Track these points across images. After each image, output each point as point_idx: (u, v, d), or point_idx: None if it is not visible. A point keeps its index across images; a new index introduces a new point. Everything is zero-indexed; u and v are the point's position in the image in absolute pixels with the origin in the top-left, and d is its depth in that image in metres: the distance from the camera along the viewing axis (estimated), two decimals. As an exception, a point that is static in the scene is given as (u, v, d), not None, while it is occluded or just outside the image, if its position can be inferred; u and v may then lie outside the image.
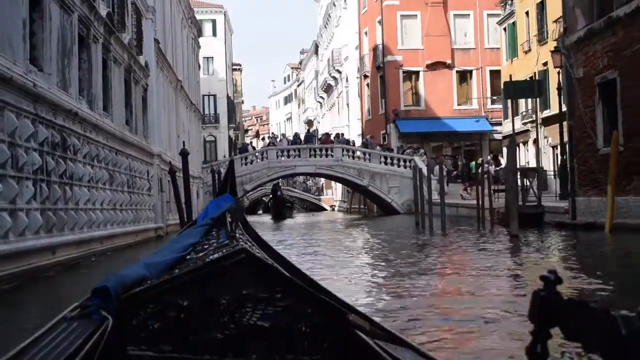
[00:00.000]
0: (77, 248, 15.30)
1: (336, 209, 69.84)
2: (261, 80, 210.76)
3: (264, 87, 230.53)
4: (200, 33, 48.49)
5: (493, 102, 51.47)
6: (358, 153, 45.39)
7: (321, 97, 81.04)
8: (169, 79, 30.55)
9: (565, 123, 24.61)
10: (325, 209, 71.78)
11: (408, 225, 31.65)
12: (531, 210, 23.43)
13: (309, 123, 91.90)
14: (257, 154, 47.25)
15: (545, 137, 42.11)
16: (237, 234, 4.28)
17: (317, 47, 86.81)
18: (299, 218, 51.61)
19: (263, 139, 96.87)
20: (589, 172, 20.45)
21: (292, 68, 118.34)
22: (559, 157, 40.54)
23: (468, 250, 15.97)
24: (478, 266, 12.53)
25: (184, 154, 23.90)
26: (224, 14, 72.44)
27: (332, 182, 72.00)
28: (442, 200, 24.50)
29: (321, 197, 77.39)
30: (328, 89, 74.28)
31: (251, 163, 45.74)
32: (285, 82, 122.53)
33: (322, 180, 79.15)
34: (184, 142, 26.07)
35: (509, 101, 35.57)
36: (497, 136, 50.27)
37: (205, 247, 4.17)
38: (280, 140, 51.49)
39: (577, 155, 21.23)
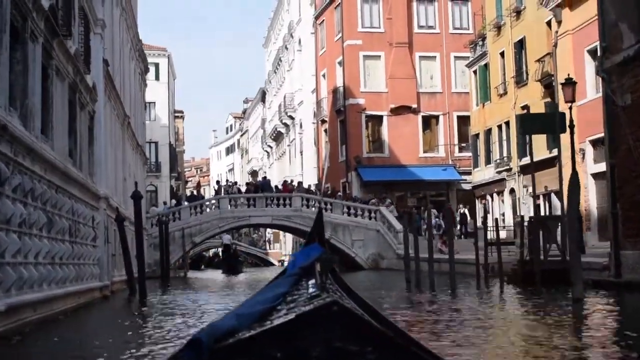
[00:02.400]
0: (1, 319, 10.90)
1: (285, 264, 65.58)
2: (202, 130, 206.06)
3: (204, 137, 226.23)
4: (147, 70, 44.39)
5: (461, 149, 48.23)
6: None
7: (269, 145, 77.18)
8: (117, 112, 26.37)
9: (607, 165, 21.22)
10: (274, 264, 67.48)
11: (390, 284, 27.74)
12: (555, 265, 19.72)
13: (254, 174, 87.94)
14: (207, 202, 42.95)
15: (524, 187, 38.79)
16: (328, 285, 4.19)
17: (264, 94, 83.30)
18: (249, 273, 47.30)
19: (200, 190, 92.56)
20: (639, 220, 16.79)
21: (234, 117, 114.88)
22: (542, 207, 37.46)
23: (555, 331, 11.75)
24: None
25: (137, 197, 19.66)
26: (168, 58, 68.52)
27: (281, 235, 68.01)
28: (451, 256, 20.59)
29: (268, 251, 73.17)
30: (278, 136, 70.48)
31: (201, 213, 41.43)
32: (227, 132, 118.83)
33: (269, 232, 75.13)
34: (136, 183, 21.79)
35: (526, 137, 32.21)
36: (466, 186, 46.93)
37: (295, 297, 4.21)
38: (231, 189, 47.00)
39: (621, 200, 17.55)
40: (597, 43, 31.87)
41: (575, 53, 33.01)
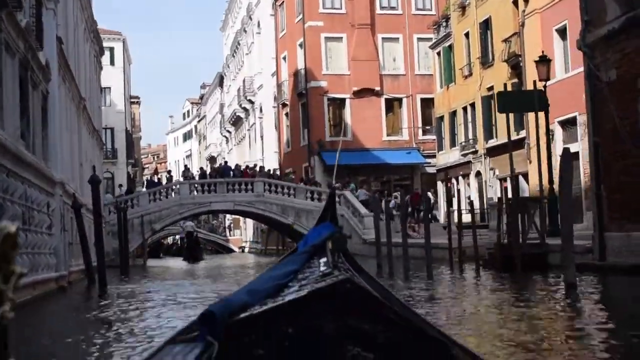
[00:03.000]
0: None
1: (246, 250, 64.53)
2: (158, 116, 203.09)
3: (161, 123, 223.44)
4: (102, 52, 42.90)
5: (425, 132, 47.51)
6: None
7: (228, 130, 75.84)
8: (72, 94, 25.10)
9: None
10: (234, 251, 66.38)
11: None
12: (533, 249, 18.99)
13: (212, 160, 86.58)
14: (165, 189, 41.70)
15: (491, 169, 38.21)
16: (339, 263, 4.16)
17: (222, 78, 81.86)
18: (211, 261, 46.19)
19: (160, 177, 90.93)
20: (626, 201, 16.07)
21: (192, 103, 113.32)
22: (509, 190, 36.76)
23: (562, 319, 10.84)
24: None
25: (95, 181, 18.52)
26: (123, 42, 66.89)
27: (242, 221, 66.89)
28: (428, 241, 19.75)
29: (229, 237, 72.00)
30: (237, 121, 69.19)
31: (160, 199, 40.21)
32: (184, 118, 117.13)
33: (229, 218, 73.93)
34: (94, 167, 20.59)
35: (492, 118, 31.68)
36: (430, 169, 46.25)
37: (307, 274, 4.13)
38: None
39: (606, 180, 16.82)
40: (566, 21, 31.47)
41: (543, 32, 32.35)
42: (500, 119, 36.89)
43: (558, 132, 31.70)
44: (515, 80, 35.30)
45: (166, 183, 44.58)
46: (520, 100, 21.48)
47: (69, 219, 22.84)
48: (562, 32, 31.31)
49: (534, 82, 22.22)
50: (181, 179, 44.41)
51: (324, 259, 4.33)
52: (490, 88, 37.80)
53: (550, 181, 23.40)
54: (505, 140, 36.13)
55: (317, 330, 3.44)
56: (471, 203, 23.10)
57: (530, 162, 33.71)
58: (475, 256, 20.48)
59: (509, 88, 35.84)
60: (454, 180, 42.37)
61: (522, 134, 34.76)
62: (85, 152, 29.22)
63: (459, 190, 36.23)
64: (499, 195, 36.90)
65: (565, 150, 13.33)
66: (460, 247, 21.85)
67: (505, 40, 35.53)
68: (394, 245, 27.28)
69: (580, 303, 11.44)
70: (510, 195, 24.74)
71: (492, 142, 37.87)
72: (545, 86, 22.68)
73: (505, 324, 9.41)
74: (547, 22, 32.10)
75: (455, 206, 31.90)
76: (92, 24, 35.03)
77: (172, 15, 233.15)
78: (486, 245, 22.12)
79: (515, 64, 34.95)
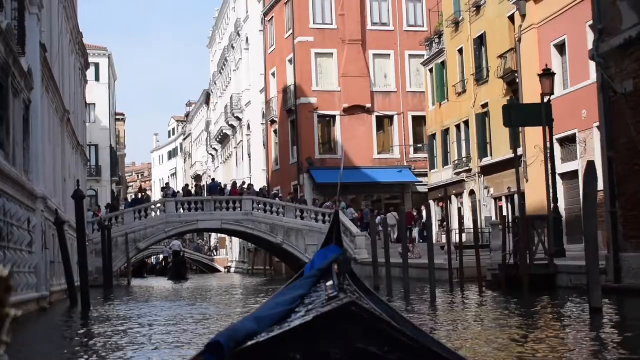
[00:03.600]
0: None
1: (232, 270, 63.34)
2: (143, 134, 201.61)
3: (146, 141, 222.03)
4: (87, 66, 41.88)
5: (416, 150, 46.66)
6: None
7: (214, 148, 74.78)
8: (56, 105, 24.07)
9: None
10: (220, 271, 65.16)
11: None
12: (541, 270, 18.06)
13: (198, 178, 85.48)
14: (152, 206, 40.59)
15: (485, 188, 37.34)
16: (346, 286, 4.22)
17: (208, 96, 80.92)
18: (196, 281, 45.04)
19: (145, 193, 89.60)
20: (644, 219, 15.18)
21: (177, 121, 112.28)
22: (505, 209, 36.00)
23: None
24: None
25: (79, 197, 17.47)
26: (109, 58, 65.93)
27: (228, 241, 65.76)
28: (431, 261, 18.79)
29: (214, 257, 70.76)
30: (224, 139, 68.16)
31: (146, 217, 39.09)
32: (170, 136, 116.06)
33: (215, 237, 72.72)
34: (78, 182, 19.51)
35: (486, 136, 30.81)
36: (421, 188, 45.37)
37: (314, 299, 4.24)
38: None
39: (621, 197, 15.91)
40: (565, 36, 30.77)
41: (541, 48, 31.62)
42: (495, 136, 36.15)
43: (556, 150, 30.84)
44: (511, 96, 34.54)
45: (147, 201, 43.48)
46: (527, 114, 20.49)
47: (51, 237, 21.76)
48: (561, 48, 30.59)
49: (542, 95, 21.25)
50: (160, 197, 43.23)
51: (330, 282, 4.38)
52: (485, 105, 37.05)
53: (555, 199, 22.39)
54: (501, 158, 35.47)
55: (324, 355, 3.47)
56: (475, 222, 22.03)
57: (527, 180, 32.89)
58: (479, 277, 19.54)
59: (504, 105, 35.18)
60: (453, 198, 41.45)
61: (518, 151, 33.88)
62: (69, 167, 28.16)
63: (459, 209, 35.29)
64: (492, 214, 36.23)
65: (590, 164, 12.40)
66: (462, 267, 20.89)
67: (501, 56, 34.79)
68: (397, 266, 26.33)
69: (607, 329, 10.49)
70: (511, 214, 23.91)
71: (487, 161, 37.05)
72: (549, 100, 21.78)
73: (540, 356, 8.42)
74: (544, 37, 31.38)
75: (453, 226, 31.08)
76: (78, 35, 34.02)
77: (158, 33, 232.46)
78: (488, 266, 21.22)
79: (511, 81, 34.19)
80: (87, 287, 18.02)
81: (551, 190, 21.48)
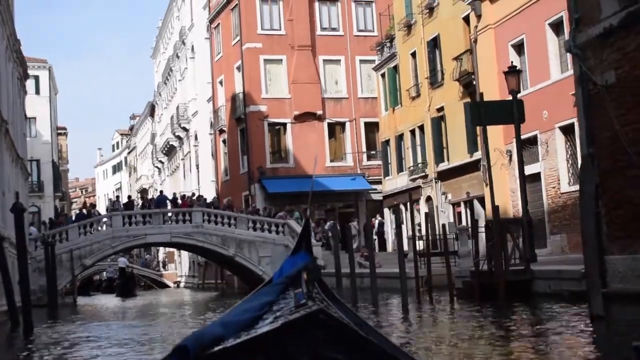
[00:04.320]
0: None
1: (182, 285, 61.64)
2: (86, 149, 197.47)
3: (89, 155, 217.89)
4: (26, 76, 40.06)
5: (370, 157, 45.67)
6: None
7: (160, 161, 73.00)
8: (-9, 114, 22.46)
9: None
10: (169, 286, 63.43)
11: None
12: (517, 276, 17.06)
13: (144, 192, 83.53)
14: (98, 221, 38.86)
15: (443, 194, 36.43)
16: (314, 294, 4.25)
17: (153, 108, 79.19)
18: (145, 297, 43.44)
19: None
20: (629, 219, 14.19)
21: (121, 134, 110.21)
22: (463, 215, 35.07)
23: None
24: None
25: (19, 210, 16.00)
26: (49, 70, 63.91)
27: (176, 255, 64.13)
28: (402, 270, 17.72)
29: (163, 272, 68.96)
30: (170, 150, 66.48)
31: (91, 232, 37.38)
32: (113, 150, 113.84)
33: (163, 251, 70.95)
34: (17, 194, 17.96)
35: (443, 140, 29.81)
36: (376, 196, 44.38)
37: (282, 306, 4.24)
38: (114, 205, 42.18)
39: (605, 196, 14.92)
40: (523, 36, 30.02)
41: (498, 48, 30.87)
42: (452, 141, 35.28)
43: (516, 152, 30.04)
44: (468, 99, 33.70)
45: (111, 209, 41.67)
46: (495, 111, 19.46)
47: (-11, 254, 20.16)
48: (519, 47, 29.86)
49: (510, 91, 20.25)
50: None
51: (298, 290, 4.37)
52: (441, 109, 36.21)
53: (526, 202, 21.46)
54: (458, 163, 34.59)
55: None
56: (443, 227, 21.02)
57: (487, 184, 32.03)
58: (450, 285, 18.47)
59: (460, 108, 34.25)
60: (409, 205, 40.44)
61: (476, 155, 33.12)
62: (8, 181, 26.48)
63: (427, 215, 34.22)
64: (450, 220, 35.27)
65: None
66: (430, 275, 19.80)
67: (456, 58, 33.97)
68: (346, 276, 25.19)
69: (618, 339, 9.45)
70: (477, 218, 22.98)
71: (444, 166, 36.18)
72: (515, 98, 20.84)
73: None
74: (501, 37, 30.64)
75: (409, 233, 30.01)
76: (15, 43, 32.31)
77: (100, 46, 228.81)
78: (456, 273, 20.20)
79: (468, 83, 33.39)
80: (29, 307, 16.53)
81: (523, 193, 20.52)
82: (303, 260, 4.86)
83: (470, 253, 21.20)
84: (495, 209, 17.97)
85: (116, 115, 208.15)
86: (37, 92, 62.86)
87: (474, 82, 32.59)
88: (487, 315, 14.87)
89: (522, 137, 28.57)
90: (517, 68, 21.82)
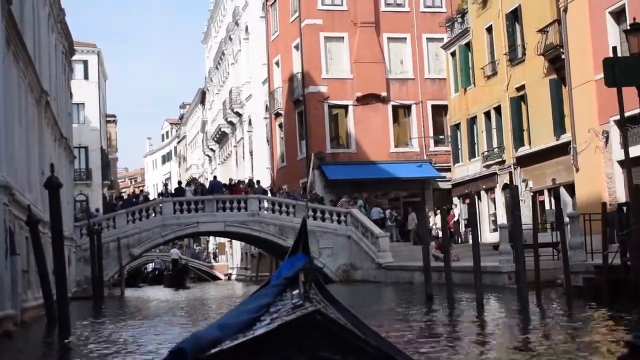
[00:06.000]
0: None
1: (233, 277, 59.01)
2: (135, 139, 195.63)
3: (138, 146, 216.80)
4: (72, 52, 37.58)
5: (437, 143, 42.43)
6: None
7: (211, 149, 70.48)
8: (29, 81, 19.82)
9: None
10: (220, 279, 60.90)
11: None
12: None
13: (193, 181, 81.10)
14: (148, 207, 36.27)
15: (523, 181, 33.08)
16: (311, 295, 4.20)
17: (204, 94, 76.72)
18: (196, 289, 40.83)
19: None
20: None
21: (171, 124, 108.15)
22: (547, 204, 31.75)
23: None
24: None
25: (54, 185, 13.21)
26: (98, 55, 61.65)
27: (228, 246, 61.56)
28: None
29: (213, 264, 66.46)
30: (222, 137, 63.84)
31: (140, 220, 34.83)
32: (163, 140, 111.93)
33: (213, 243, 68.55)
34: (52, 166, 15.16)
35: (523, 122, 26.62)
36: (443, 185, 41.17)
37: (279, 308, 4.26)
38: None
39: None
40: (624, 1, 26.68)
41: (592, 17, 27.47)
42: (535, 122, 31.97)
43: (614, 133, 26.65)
44: (554, 76, 30.39)
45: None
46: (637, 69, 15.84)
47: (24, 240, 17.50)
48: (618, 15, 26.45)
49: (633, 54, 16.81)
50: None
51: (296, 292, 4.36)
52: (521, 88, 32.90)
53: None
54: (542, 146, 31.25)
55: None
56: (558, 212, 17.73)
57: (577, 169, 28.72)
58: (567, 284, 15.24)
59: (545, 86, 31.02)
60: (483, 194, 37.16)
61: (564, 137, 29.79)
62: (49, 159, 23.84)
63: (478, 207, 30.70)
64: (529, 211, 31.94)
65: None
66: (538, 270, 16.63)
67: (541, 31, 30.59)
68: (436, 271, 22.19)
69: None
70: (564, 208, 19.78)
71: (524, 150, 32.86)
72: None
73: None
74: (597, 5, 27.25)
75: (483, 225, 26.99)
76: (59, 13, 29.77)
77: (149, 34, 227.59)
78: (575, 269, 16.94)
79: (555, 57, 30.03)
80: (65, 303, 13.77)
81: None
82: (301, 262, 4.82)
83: (583, 245, 18.04)
84: (636, 188, 14.67)
85: (166, 104, 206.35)
86: (86, 77, 61.01)
87: (562, 56, 29.26)
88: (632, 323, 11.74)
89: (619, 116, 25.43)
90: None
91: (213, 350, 3.57)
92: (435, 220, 34.97)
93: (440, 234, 30.98)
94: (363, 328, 4.36)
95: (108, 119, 75.40)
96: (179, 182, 43.22)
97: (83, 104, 59.07)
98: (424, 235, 21.68)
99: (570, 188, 29.73)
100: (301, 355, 3.52)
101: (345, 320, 4.12)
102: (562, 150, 29.74)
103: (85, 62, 61.08)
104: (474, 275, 16.36)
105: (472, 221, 20.33)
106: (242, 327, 3.95)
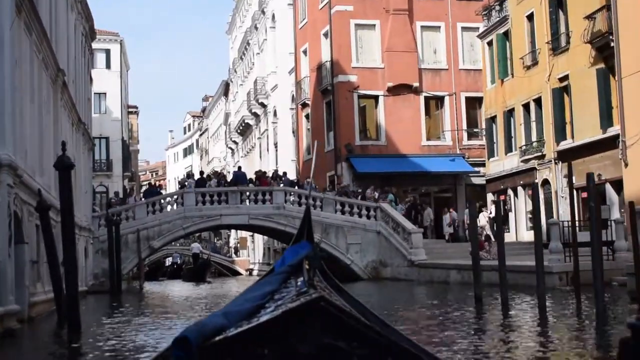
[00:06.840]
0: None
1: (255, 272, 57.46)
2: (157, 131, 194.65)
3: (159, 138, 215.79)
4: (93, 35, 36.13)
5: (470, 136, 40.64)
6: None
7: (234, 141, 68.94)
8: (43, 56, 18.30)
9: None
10: (240, 274, 59.38)
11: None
12: None
13: (215, 174, 79.66)
14: (167, 199, 34.82)
15: (565, 177, 31.22)
16: (316, 282, 4.15)
17: (227, 86, 75.21)
18: (217, 284, 39.37)
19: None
20: None
21: (193, 117, 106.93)
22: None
23: None
24: None
25: (64, 165, 11.67)
26: (120, 44, 60.28)
27: (249, 241, 60.03)
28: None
29: (235, 258, 64.95)
30: (245, 129, 62.28)
31: (160, 211, 33.35)
32: (185, 133, 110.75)
33: (234, 237, 67.07)
34: (63, 144, 13.63)
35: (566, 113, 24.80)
36: (476, 180, 39.40)
37: (284, 295, 4.23)
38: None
39: None
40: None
41: (647, 2, 25.67)
42: (578, 114, 30.17)
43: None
44: (602, 65, 28.59)
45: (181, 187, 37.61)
46: None
47: (33, 227, 15.99)
48: (676, -1, 24.69)
49: None
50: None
51: (301, 279, 4.34)
52: (564, 78, 31.11)
53: None
54: (586, 140, 29.46)
55: (292, 349, 3.47)
56: (598, 213, 16.05)
57: (627, 164, 26.92)
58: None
59: (591, 76, 29.24)
60: (520, 190, 35.40)
61: (611, 131, 27.99)
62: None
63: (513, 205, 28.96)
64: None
65: None
66: (577, 271, 14.87)
67: (589, 17, 28.77)
68: (487, 270, 20.47)
69: None
70: (609, 205, 17.97)
71: (566, 144, 31.08)
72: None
73: None
74: (651, -13, 25.44)
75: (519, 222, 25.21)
76: (80, -8, 28.32)
77: (172, 28, 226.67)
78: (625, 270, 15.24)
79: (603, 45, 28.22)
80: (75, 299, 12.20)
81: None
82: (305, 249, 4.81)
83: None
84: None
85: (188, 97, 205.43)
86: (108, 66, 59.65)
87: (612, 44, 27.46)
88: None
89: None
90: None
91: (217, 338, 3.51)
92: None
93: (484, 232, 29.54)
94: (369, 315, 4.36)
95: (130, 110, 74.17)
96: (201, 173, 41.64)
97: (105, 93, 57.88)
98: (474, 233, 19.98)
99: (616, 184, 27.95)
100: (305, 342, 3.45)
101: (350, 307, 4.10)
102: (609, 144, 27.96)
103: (107, 51, 59.79)
104: (537, 276, 14.68)
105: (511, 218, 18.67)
106: (247, 315, 3.90)
